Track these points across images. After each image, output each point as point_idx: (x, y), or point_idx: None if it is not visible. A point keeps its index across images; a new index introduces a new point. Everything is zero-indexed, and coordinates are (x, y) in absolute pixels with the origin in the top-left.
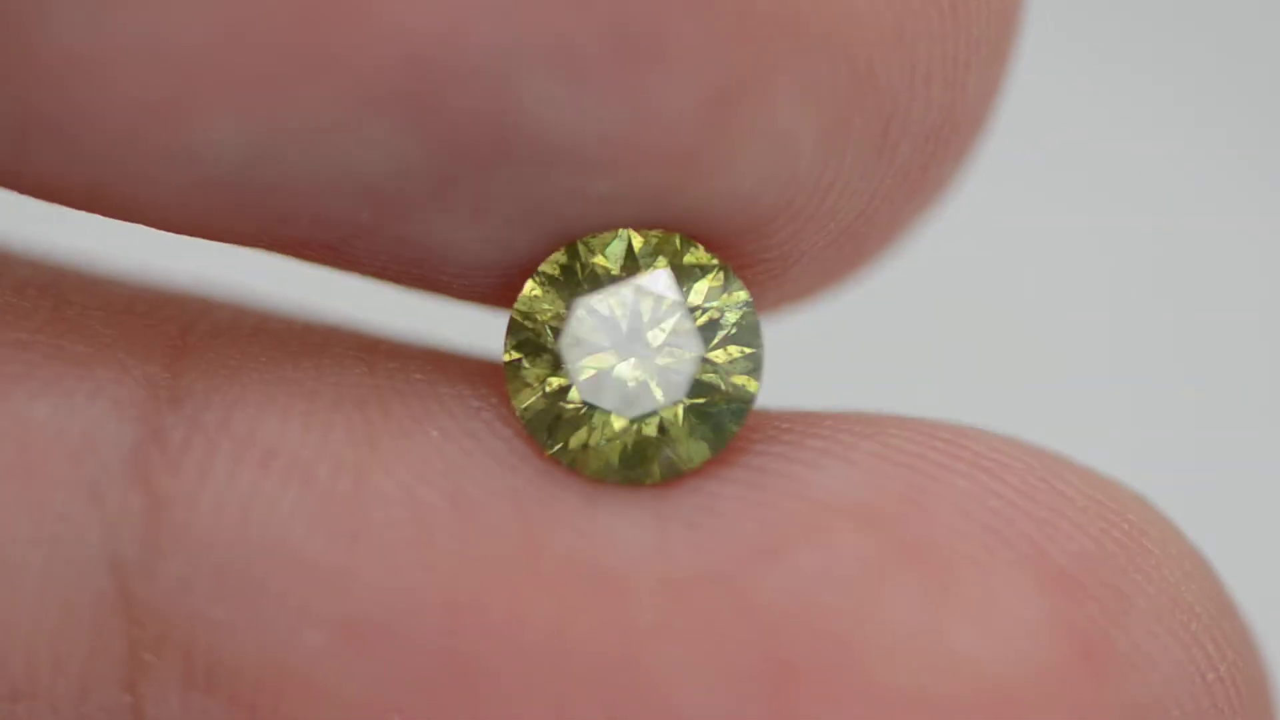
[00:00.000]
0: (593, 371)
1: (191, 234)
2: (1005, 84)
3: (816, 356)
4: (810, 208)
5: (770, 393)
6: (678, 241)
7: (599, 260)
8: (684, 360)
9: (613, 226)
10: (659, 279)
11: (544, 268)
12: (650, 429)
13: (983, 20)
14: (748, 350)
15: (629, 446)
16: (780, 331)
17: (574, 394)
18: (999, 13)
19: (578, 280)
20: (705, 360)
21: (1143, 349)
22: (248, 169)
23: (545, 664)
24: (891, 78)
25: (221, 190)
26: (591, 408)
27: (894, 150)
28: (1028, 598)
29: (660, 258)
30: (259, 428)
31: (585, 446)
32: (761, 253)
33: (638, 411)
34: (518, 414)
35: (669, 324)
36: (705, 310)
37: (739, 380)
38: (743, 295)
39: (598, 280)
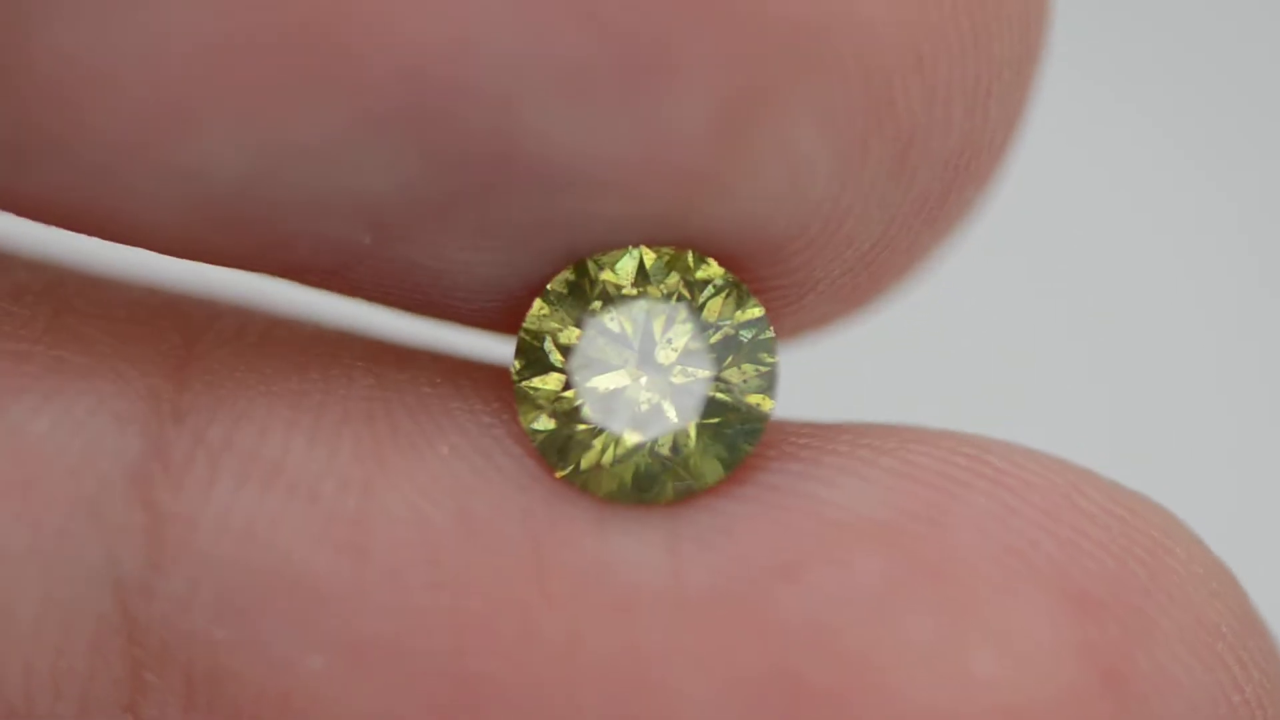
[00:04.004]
0: (604, 391)
1: (192, 257)
2: (1028, 110)
3: (834, 366)
4: (826, 234)
5: (786, 406)
6: (690, 258)
7: (609, 277)
8: (697, 379)
9: (622, 247)
10: (671, 296)
11: (553, 286)
12: (663, 449)
13: (1005, 43)
14: (762, 368)
15: (641, 467)
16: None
17: (585, 414)
18: (1022, 36)
19: (588, 298)
20: (719, 379)
21: (1170, 358)
22: (247, 186)
23: (554, 687)
24: (910, 101)
25: (221, 209)
26: (603, 428)
27: (913, 176)
28: (1048, 619)
29: (672, 274)
30: (264, 443)
31: (597, 467)
32: (776, 279)
33: (650, 432)
34: (528, 435)
35: (682, 342)
36: (719, 328)
37: (753, 399)
38: (757, 312)
39: (608, 298)
